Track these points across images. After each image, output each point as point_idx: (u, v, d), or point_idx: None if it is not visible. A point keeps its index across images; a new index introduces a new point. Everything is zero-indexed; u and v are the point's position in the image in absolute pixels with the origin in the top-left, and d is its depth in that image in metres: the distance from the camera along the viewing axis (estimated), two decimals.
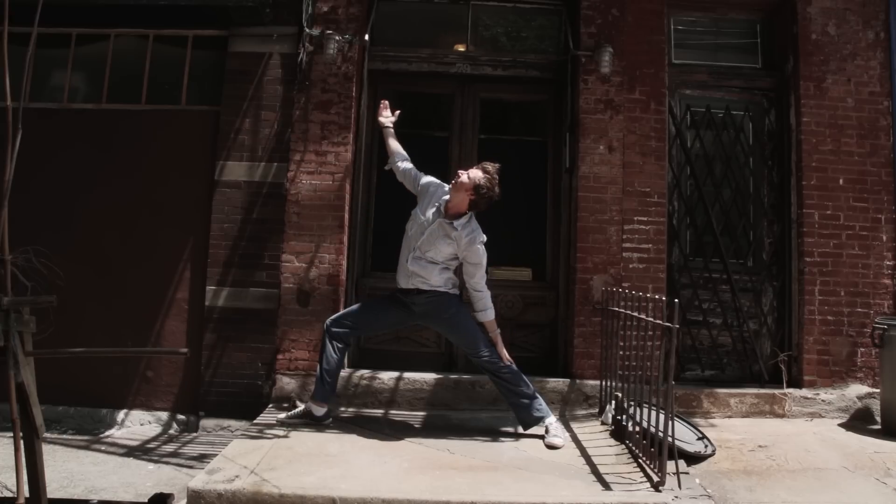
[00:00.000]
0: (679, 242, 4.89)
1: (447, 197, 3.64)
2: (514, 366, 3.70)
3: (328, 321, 3.80)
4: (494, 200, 3.61)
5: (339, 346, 3.73)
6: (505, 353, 3.68)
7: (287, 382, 4.43)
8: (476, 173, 3.54)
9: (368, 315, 3.81)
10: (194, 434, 4.38)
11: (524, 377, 3.70)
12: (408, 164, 3.87)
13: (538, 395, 3.72)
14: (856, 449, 3.77)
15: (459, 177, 3.55)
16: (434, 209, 3.66)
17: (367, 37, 4.74)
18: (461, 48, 5.10)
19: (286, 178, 4.60)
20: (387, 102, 4.00)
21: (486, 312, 3.67)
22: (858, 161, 4.72)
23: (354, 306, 3.97)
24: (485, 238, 3.62)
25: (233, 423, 4.37)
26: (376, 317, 3.81)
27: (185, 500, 2.78)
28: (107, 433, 4.38)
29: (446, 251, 3.61)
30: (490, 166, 3.58)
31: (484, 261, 3.64)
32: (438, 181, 3.80)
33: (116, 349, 4.51)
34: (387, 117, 3.95)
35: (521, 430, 3.72)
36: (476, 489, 2.79)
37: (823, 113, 4.75)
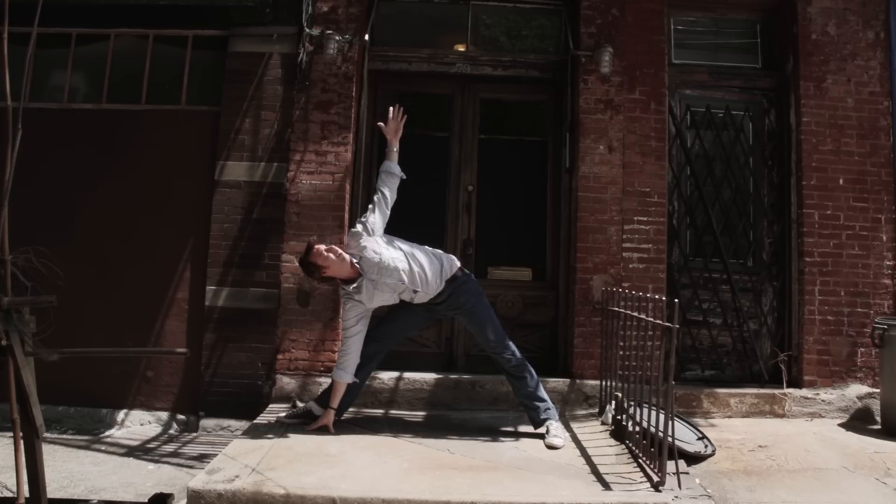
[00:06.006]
0: (679, 242, 4.89)
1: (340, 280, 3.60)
2: (519, 354, 3.73)
3: None
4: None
5: (369, 365, 3.76)
6: None
7: (287, 382, 4.43)
8: (318, 262, 3.43)
9: (396, 324, 3.82)
10: (194, 434, 4.38)
11: (530, 370, 3.72)
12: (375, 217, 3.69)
13: (546, 398, 3.74)
14: (856, 449, 3.78)
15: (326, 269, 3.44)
16: (366, 289, 3.56)
17: (367, 37, 4.75)
18: (461, 48, 5.10)
19: (286, 178, 4.60)
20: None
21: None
22: (858, 161, 4.73)
23: (382, 320, 3.91)
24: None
25: (233, 422, 4.38)
26: (405, 323, 3.83)
27: (185, 500, 2.78)
28: (107, 433, 4.38)
29: (397, 276, 3.53)
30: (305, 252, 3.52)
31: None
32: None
33: (116, 349, 4.50)
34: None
35: (521, 429, 3.72)
36: (476, 489, 2.79)
37: (823, 113, 4.75)
